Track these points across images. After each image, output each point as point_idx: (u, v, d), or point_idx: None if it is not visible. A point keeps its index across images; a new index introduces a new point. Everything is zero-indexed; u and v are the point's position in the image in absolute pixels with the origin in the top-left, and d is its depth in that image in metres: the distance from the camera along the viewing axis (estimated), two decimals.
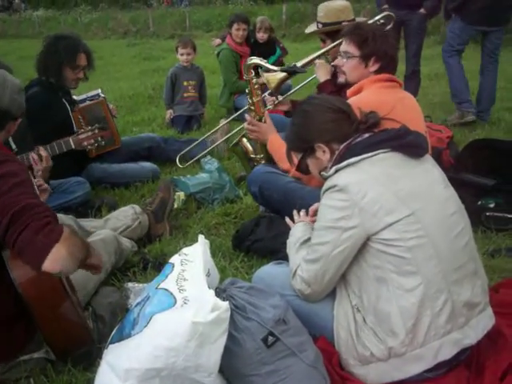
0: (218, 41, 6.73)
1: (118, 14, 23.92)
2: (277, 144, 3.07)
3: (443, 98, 6.75)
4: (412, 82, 5.80)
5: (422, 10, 5.50)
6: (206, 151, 4.38)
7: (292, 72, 3.27)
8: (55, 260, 1.72)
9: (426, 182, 1.89)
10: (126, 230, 3.04)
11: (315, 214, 2.16)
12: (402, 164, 1.86)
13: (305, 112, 2.12)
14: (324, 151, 2.03)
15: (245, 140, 3.60)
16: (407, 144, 1.89)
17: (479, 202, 3.25)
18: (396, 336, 1.80)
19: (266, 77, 3.66)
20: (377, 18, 3.79)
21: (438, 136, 3.73)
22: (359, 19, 3.93)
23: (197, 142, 4.48)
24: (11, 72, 3.18)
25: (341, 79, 3.06)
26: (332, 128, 2.00)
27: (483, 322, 1.90)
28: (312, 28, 3.90)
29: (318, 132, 2.03)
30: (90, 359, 2.04)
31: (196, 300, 1.67)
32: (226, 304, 1.64)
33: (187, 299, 1.69)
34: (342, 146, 1.95)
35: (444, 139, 3.72)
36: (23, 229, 1.72)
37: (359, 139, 1.94)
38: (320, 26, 3.74)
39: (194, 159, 4.34)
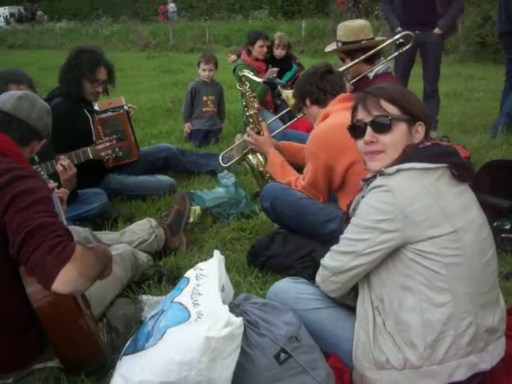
0: (233, 57, 6.80)
1: (138, 26, 24.26)
2: (277, 161, 3.14)
3: (461, 117, 6.75)
4: (431, 102, 5.78)
5: (436, 30, 5.49)
6: (242, 153, 4.41)
7: (270, 83, 3.41)
8: (65, 281, 1.72)
9: (468, 203, 1.89)
10: (141, 244, 3.06)
11: None
12: (448, 182, 1.85)
13: (411, 94, 2.04)
14: (419, 132, 1.94)
15: (258, 154, 3.65)
16: (462, 165, 1.88)
17: (495, 224, 3.23)
18: (415, 348, 1.79)
19: (285, 94, 3.72)
20: (396, 37, 3.84)
21: None
22: (378, 38, 3.97)
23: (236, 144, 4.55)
24: (33, 83, 3.26)
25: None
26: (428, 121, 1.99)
27: (499, 348, 1.90)
28: (332, 47, 3.95)
29: (423, 114, 1.98)
30: (103, 371, 2.05)
31: (210, 315, 1.68)
32: (239, 320, 1.65)
33: (201, 314, 1.71)
34: (410, 148, 1.91)
35: None
36: (35, 248, 1.73)
37: (425, 145, 1.93)
38: (339, 44, 3.78)
39: (235, 159, 4.32)
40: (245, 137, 3.38)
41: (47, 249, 1.73)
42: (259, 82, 3.71)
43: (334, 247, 1.98)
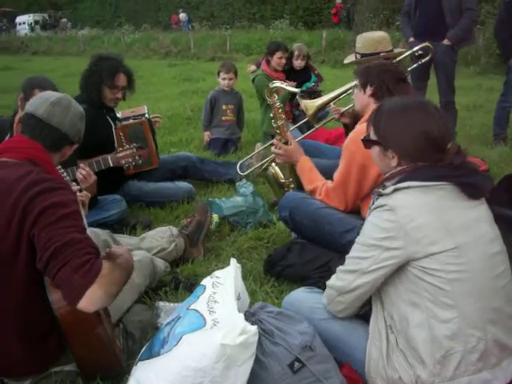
0: (253, 67, 6.82)
1: (159, 34, 24.48)
2: (306, 166, 3.13)
3: (481, 129, 6.68)
4: (447, 114, 5.72)
5: (445, 41, 5.46)
6: (261, 162, 4.44)
7: (311, 92, 3.36)
8: (91, 301, 1.75)
9: (475, 218, 1.87)
10: (161, 252, 3.08)
11: None
12: (455, 197, 1.85)
13: (401, 118, 1.95)
14: (393, 157, 1.96)
15: (274, 165, 3.65)
16: (471, 184, 1.86)
17: None
18: (424, 365, 1.80)
19: (304, 104, 3.73)
20: (415, 49, 3.84)
21: None
22: (397, 50, 3.98)
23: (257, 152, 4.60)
24: (56, 89, 3.31)
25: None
26: (413, 152, 1.91)
27: None
28: (350, 58, 3.97)
29: (397, 144, 1.94)
30: (118, 376, 2.08)
31: (225, 322, 1.70)
32: (254, 328, 1.67)
33: (217, 321, 1.73)
34: (408, 165, 1.92)
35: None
36: (62, 265, 1.76)
37: (427, 165, 1.91)
38: (358, 56, 3.79)
39: (254, 167, 4.36)
40: (272, 149, 3.36)
41: (75, 267, 1.76)
42: (296, 92, 3.66)
43: (340, 267, 2.00)
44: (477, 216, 1.88)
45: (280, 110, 3.43)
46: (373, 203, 1.98)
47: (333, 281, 2.01)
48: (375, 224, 1.88)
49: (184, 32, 25.17)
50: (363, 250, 1.90)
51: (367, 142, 2.09)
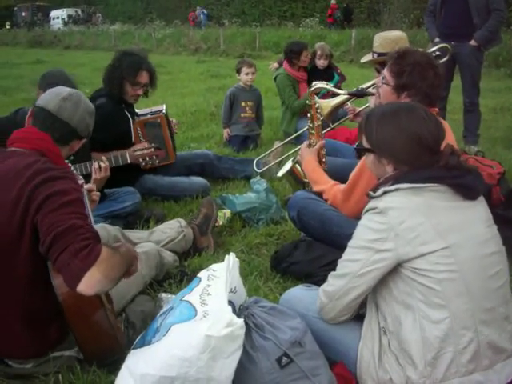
0: (275, 65, 6.85)
1: (190, 31, 24.59)
2: (311, 166, 3.11)
3: (506, 132, 6.59)
4: (471, 115, 5.68)
5: (472, 42, 5.39)
6: (277, 160, 4.46)
7: (360, 95, 3.31)
8: (90, 284, 1.80)
9: (469, 219, 1.86)
10: (170, 243, 3.13)
11: None
12: (448, 198, 1.85)
13: (391, 124, 1.93)
14: (389, 164, 1.96)
15: (297, 164, 3.65)
16: (463, 185, 1.85)
17: None
18: (415, 366, 1.80)
19: (319, 104, 3.71)
20: (432, 49, 3.81)
21: (489, 172, 3.65)
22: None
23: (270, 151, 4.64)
24: (74, 83, 3.37)
25: (374, 102, 3.07)
26: (406, 157, 1.90)
27: (509, 368, 1.86)
28: (368, 57, 3.95)
29: (390, 151, 1.93)
30: (117, 364, 2.12)
31: (214, 315, 1.73)
32: (240, 321, 1.69)
33: (207, 313, 1.75)
34: (402, 170, 1.92)
35: (495, 175, 3.63)
36: (63, 250, 1.82)
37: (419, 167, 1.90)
38: (375, 55, 3.78)
39: (270, 165, 4.45)
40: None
41: (74, 251, 1.81)
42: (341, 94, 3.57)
43: (332, 272, 2.00)
44: (472, 216, 1.88)
45: (318, 111, 3.41)
46: None
47: (325, 286, 2.01)
48: (366, 226, 1.89)
49: (215, 28, 25.29)
50: (354, 253, 1.91)
51: (361, 151, 2.08)
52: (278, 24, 25.93)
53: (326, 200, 2.94)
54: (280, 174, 3.70)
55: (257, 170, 4.41)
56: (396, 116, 1.93)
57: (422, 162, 1.88)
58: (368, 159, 2.05)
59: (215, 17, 31.42)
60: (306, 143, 3.37)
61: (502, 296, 1.86)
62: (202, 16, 30.40)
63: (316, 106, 3.39)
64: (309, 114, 3.43)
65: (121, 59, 3.96)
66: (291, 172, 3.63)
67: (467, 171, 1.89)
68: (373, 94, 3.35)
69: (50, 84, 3.24)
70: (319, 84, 3.38)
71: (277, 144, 5.06)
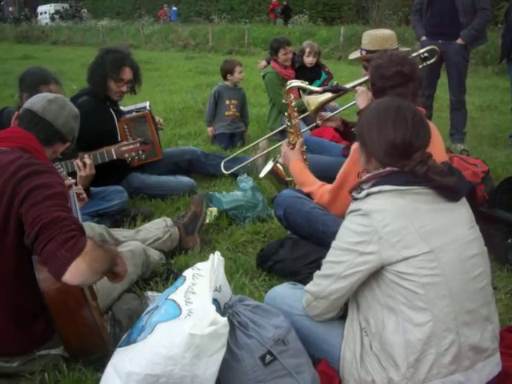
0: (263, 63, 6.85)
1: (178, 27, 24.51)
2: (297, 168, 3.13)
3: (493, 130, 6.65)
4: (457, 113, 5.74)
5: (458, 41, 5.43)
6: (249, 160, 4.48)
7: (335, 90, 3.31)
8: (75, 273, 1.83)
9: (451, 222, 1.87)
10: (156, 242, 3.14)
11: None
12: (431, 200, 1.85)
13: (375, 125, 1.95)
14: (376, 160, 1.98)
15: (278, 164, 3.67)
16: (445, 186, 1.86)
17: (509, 240, 3.20)
18: (398, 368, 1.81)
19: (306, 99, 3.72)
20: (421, 51, 3.82)
21: (473, 170, 3.69)
22: (403, 49, 3.96)
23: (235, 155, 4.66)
24: (57, 78, 3.36)
25: (361, 99, 3.12)
26: (383, 159, 1.93)
27: (489, 367, 1.88)
28: (356, 54, 3.95)
29: (373, 151, 1.96)
30: (103, 362, 2.14)
31: (198, 313, 1.75)
32: (224, 320, 1.70)
33: (191, 311, 1.77)
34: (384, 170, 1.93)
35: (479, 173, 3.67)
36: (49, 241, 1.85)
37: (403, 170, 1.90)
38: (364, 52, 3.78)
39: (239, 166, 4.45)
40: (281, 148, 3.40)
41: (60, 242, 1.84)
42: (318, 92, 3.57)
43: (317, 272, 2.01)
44: (455, 218, 1.89)
45: (295, 109, 3.43)
46: None
47: (309, 286, 2.03)
48: (349, 228, 1.89)
49: (203, 24, 25.22)
50: (338, 255, 1.92)
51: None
52: (267, 20, 25.95)
53: (316, 199, 2.95)
54: (262, 175, 3.71)
55: (224, 171, 4.43)
56: (380, 116, 1.96)
57: (394, 165, 1.90)
58: (362, 156, 2.07)
59: (204, 13, 31.35)
60: (285, 142, 3.39)
61: (483, 297, 1.88)
62: (171, 12, 30.86)
63: (293, 104, 3.42)
64: (286, 113, 3.45)
65: (103, 56, 3.96)
66: (273, 172, 3.65)
67: (448, 172, 1.91)
68: (348, 91, 3.39)
69: (30, 85, 3.26)
70: (294, 82, 3.42)
71: (264, 145, 5.03)
